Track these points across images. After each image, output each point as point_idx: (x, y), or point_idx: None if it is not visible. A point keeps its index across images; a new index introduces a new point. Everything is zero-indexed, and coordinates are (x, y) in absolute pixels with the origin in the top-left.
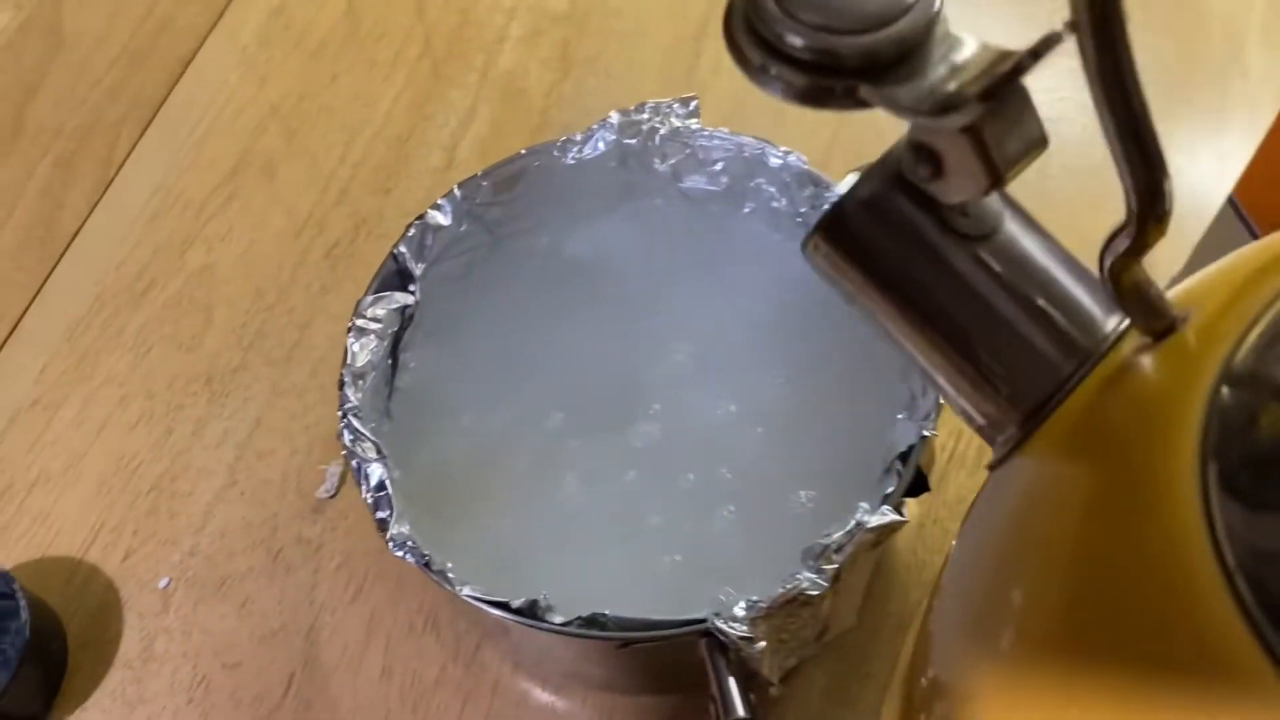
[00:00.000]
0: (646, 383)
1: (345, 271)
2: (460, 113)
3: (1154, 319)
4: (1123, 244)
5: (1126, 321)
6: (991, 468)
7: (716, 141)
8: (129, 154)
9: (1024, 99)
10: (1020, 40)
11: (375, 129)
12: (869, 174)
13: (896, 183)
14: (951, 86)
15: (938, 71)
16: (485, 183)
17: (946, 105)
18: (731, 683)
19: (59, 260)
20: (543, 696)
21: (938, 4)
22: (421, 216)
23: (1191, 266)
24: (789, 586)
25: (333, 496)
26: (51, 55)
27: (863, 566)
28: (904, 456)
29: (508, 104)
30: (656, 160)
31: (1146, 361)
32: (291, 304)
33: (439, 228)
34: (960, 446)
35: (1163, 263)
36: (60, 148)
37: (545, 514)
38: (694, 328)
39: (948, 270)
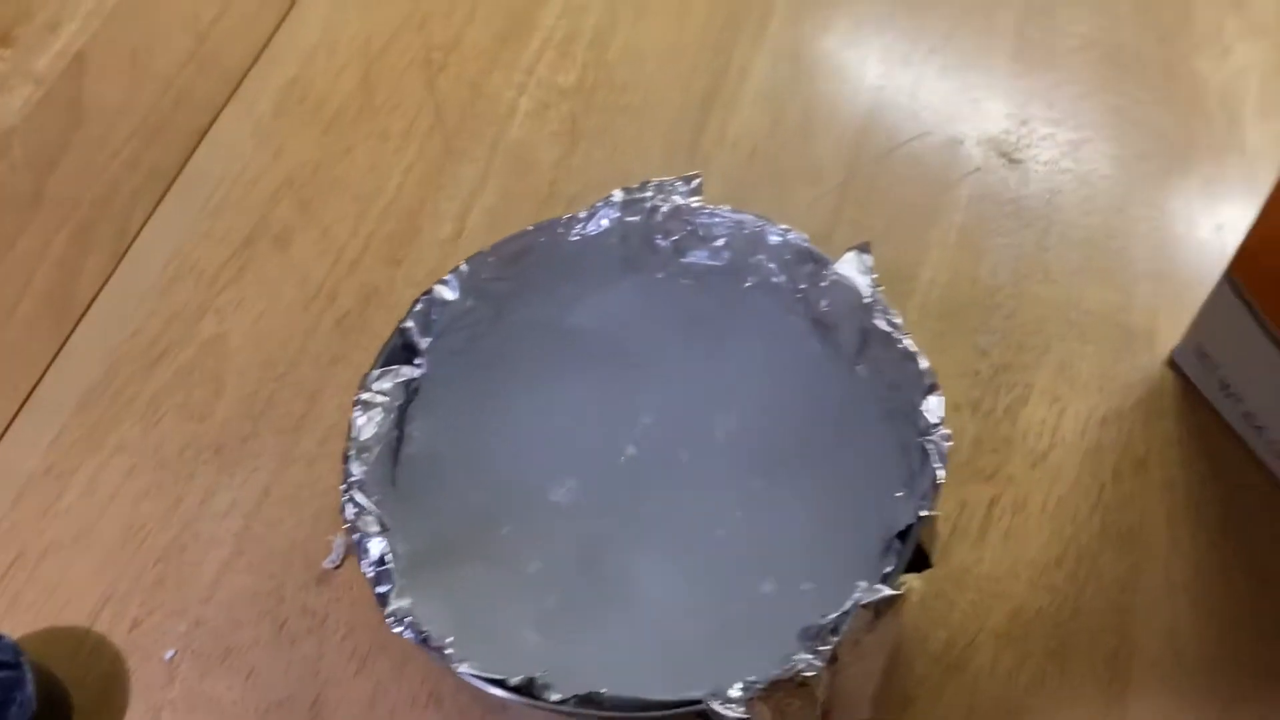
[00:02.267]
0: (653, 452)
1: (354, 342)
2: (470, 184)
3: None
4: None
5: None
6: None
7: (718, 219)
8: (144, 224)
9: None
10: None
11: (388, 200)
12: None
13: None
14: None
15: None
16: (491, 258)
17: None
18: None
19: (74, 329)
20: None
21: None
22: (428, 292)
23: (1190, 338)
24: (785, 667)
25: (338, 567)
26: (72, 128)
27: (869, 649)
28: (903, 535)
29: (517, 175)
30: (659, 236)
31: None
32: (301, 374)
33: (445, 302)
34: (963, 520)
35: (1163, 332)
36: (79, 218)
37: (549, 586)
38: (701, 396)
39: None
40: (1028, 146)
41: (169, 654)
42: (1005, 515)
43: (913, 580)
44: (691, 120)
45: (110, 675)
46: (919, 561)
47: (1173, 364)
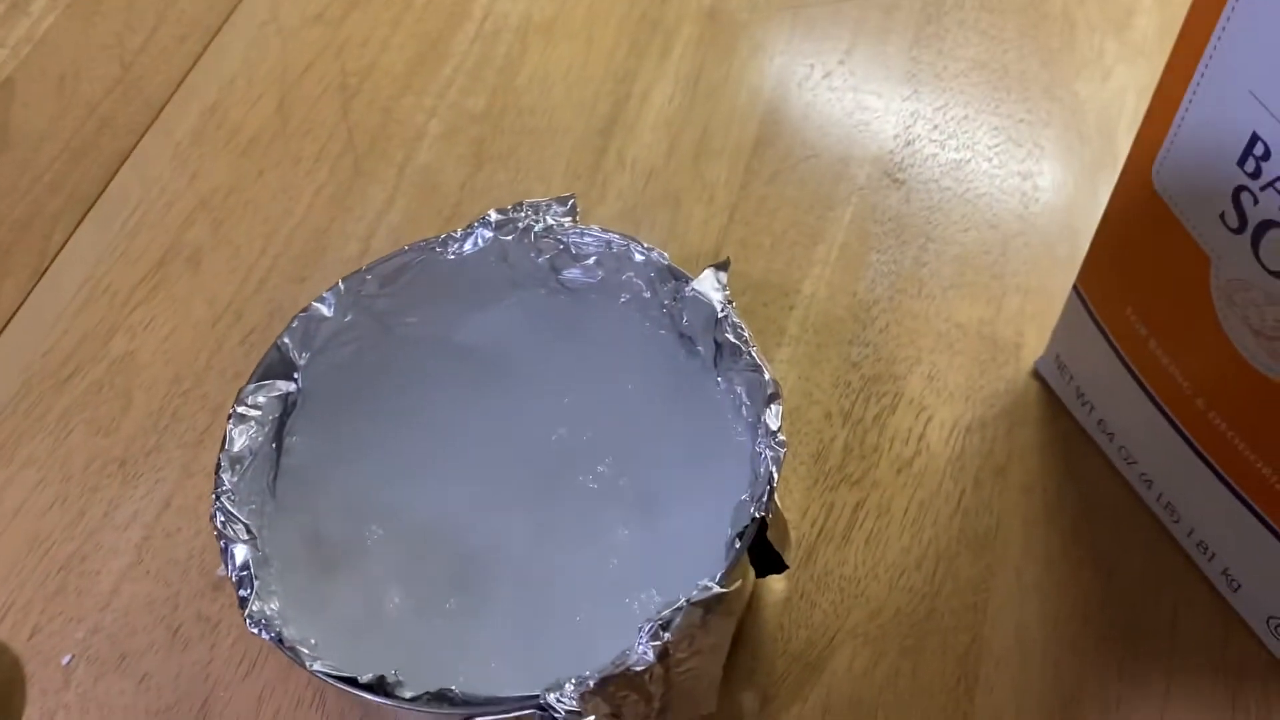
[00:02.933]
0: (529, 462)
1: (257, 358)
2: (377, 205)
3: None
4: None
5: None
6: None
7: (588, 238)
8: (63, 246)
9: None
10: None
11: (296, 221)
12: None
13: None
14: None
15: None
16: (369, 276)
17: None
18: None
19: None
20: None
21: None
22: (305, 310)
23: (1051, 348)
24: (616, 662)
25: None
26: None
27: (703, 645)
28: (741, 534)
29: (423, 197)
30: (534, 254)
31: None
32: (206, 390)
33: (323, 319)
34: (829, 523)
35: (1029, 344)
36: None
37: (419, 592)
38: (577, 408)
39: None
40: (911, 166)
41: (66, 659)
42: (869, 519)
43: (775, 582)
44: (593, 144)
45: (9, 680)
46: (774, 563)
47: (1036, 374)
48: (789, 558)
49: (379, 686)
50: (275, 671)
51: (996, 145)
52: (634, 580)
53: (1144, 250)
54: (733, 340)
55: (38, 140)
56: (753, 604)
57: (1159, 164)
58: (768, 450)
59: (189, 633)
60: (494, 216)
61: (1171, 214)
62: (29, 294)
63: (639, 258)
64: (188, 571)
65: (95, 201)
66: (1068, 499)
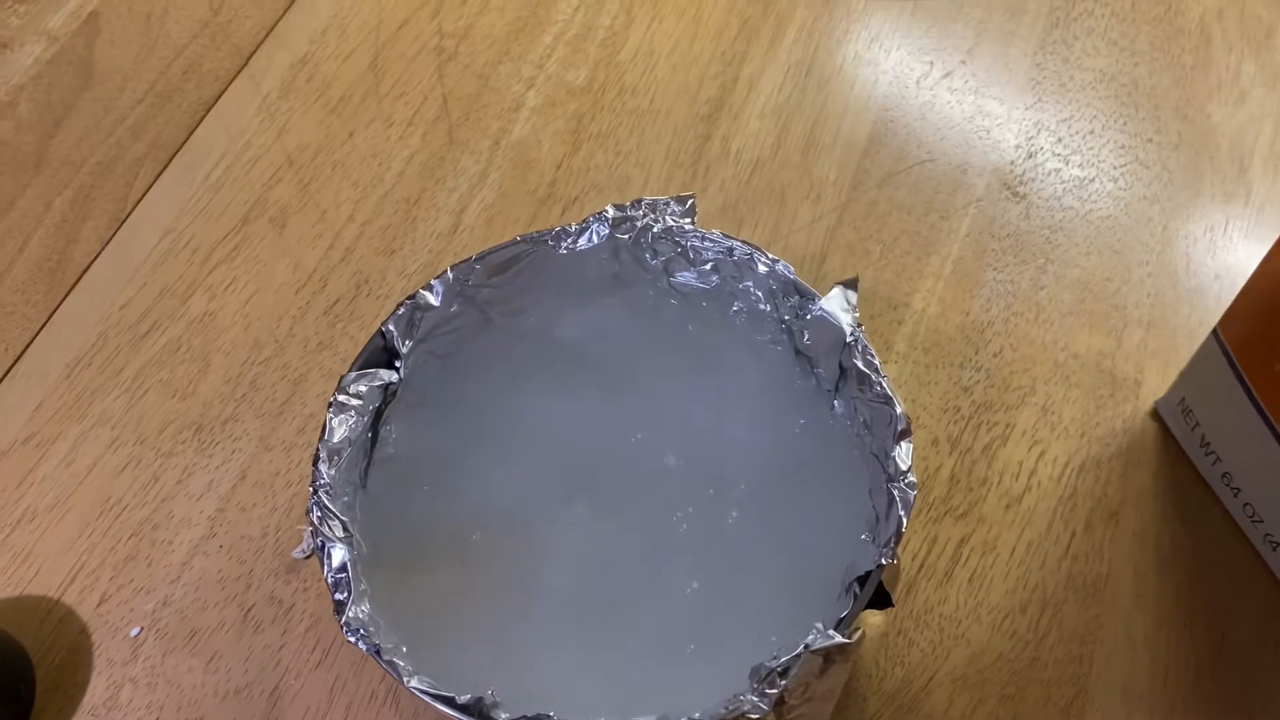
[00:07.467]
0: (627, 470)
1: (342, 330)
2: (470, 178)
3: None
4: None
5: None
6: None
7: (709, 243)
8: (145, 193)
9: None
10: None
11: (386, 189)
12: None
13: None
14: None
15: None
16: (478, 266)
17: None
18: None
19: (66, 295)
20: None
21: None
22: (412, 296)
23: (1176, 390)
24: (731, 708)
25: (307, 558)
26: (80, 89)
27: (817, 692)
28: (862, 580)
29: (517, 173)
30: (649, 255)
31: None
32: (287, 359)
33: (429, 307)
34: (931, 558)
35: (1150, 382)
36: (80, 182)
37: (510, 599)
38: (678, 418)
39: None
40: (1032, 180)
41: (135, 631)
42: (974, 556)
43: (873, 617)
44: (697, 130)
45: (75, 648)
46: (880, 599)
47: (1156, 415)
48: (894, 594)
49: (475, 708)
50: (348, 663)
51: (1123, 165)
52: (726, 608)
53: None
54: (861, 367)
55: (122, 81)
56: None
57: None
58: (896, 490)
59: (261, 615)
60: (611, 213)
61: None
62: (108, 242)
63: (762, 268)
64: (262, 550)
65: (179, 150)
66: (1183, 551)
